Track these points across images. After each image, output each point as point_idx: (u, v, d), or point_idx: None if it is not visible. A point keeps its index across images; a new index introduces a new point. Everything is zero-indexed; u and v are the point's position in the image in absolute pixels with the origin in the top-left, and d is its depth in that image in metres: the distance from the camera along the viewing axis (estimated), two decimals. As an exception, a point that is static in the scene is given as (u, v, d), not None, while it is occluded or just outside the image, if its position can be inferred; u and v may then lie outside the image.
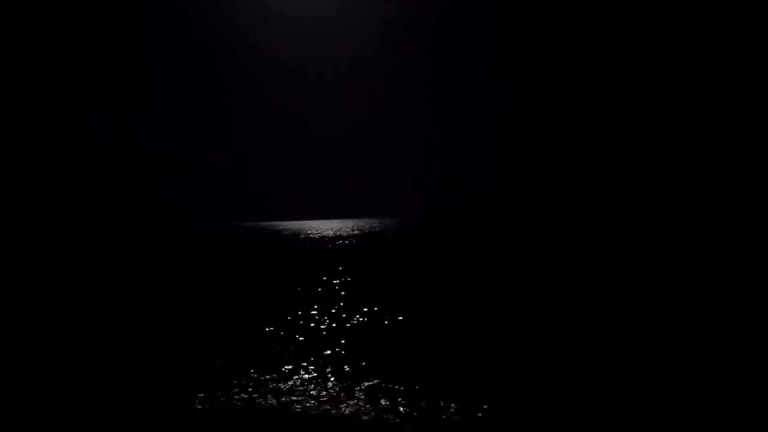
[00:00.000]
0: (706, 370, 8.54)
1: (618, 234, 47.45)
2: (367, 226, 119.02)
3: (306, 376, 9.15)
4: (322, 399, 8.07)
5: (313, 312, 14.91)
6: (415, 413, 7.37)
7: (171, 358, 10.55)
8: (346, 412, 7.51)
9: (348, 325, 13.28)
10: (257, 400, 8.05)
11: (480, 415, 7.30)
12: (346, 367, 9.62)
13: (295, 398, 8.13)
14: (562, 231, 58.16)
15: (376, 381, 8.76)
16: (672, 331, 11.02)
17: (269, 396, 8.23)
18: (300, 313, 14.85)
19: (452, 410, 7.49)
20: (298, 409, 7.71)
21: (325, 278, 22.47)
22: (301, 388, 8.59)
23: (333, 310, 15.06)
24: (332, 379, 8.99)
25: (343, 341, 11.54)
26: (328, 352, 10.72)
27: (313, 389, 8.51)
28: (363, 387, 8.51)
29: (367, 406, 7.71)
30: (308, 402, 7.97)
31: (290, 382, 8.84)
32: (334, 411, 7.55)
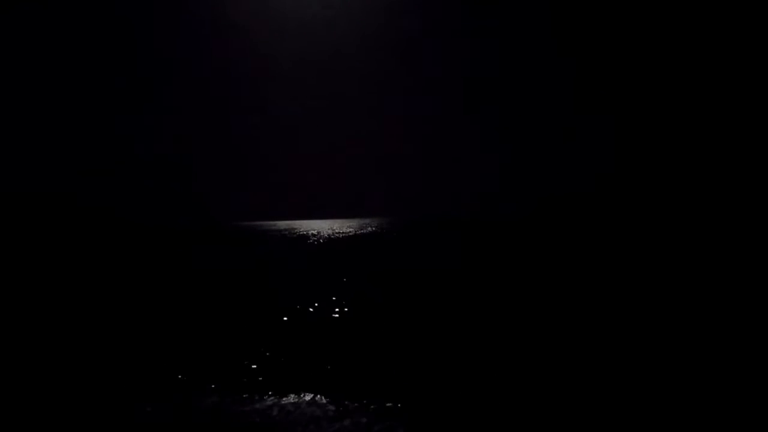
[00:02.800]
0: (703, 370, 8.35)
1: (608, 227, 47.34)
2: (363, 226, 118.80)
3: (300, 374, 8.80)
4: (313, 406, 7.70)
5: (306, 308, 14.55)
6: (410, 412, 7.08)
7: (163, 355, 10.40)
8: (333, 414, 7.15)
9: (339, 321, 12.95)
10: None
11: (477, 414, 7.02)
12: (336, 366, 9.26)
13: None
14: (555, 232, 58.03)
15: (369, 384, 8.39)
16: (668, 330, 10.81)
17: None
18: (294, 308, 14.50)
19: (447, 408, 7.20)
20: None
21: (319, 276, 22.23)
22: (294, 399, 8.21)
23: (322, 308, 14.69)
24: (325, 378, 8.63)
25: (334, 339, 11.20)
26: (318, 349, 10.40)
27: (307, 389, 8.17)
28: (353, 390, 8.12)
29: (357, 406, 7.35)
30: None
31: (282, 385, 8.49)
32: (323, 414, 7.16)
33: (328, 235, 71.66)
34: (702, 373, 8.22)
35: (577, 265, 22.89)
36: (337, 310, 14.61)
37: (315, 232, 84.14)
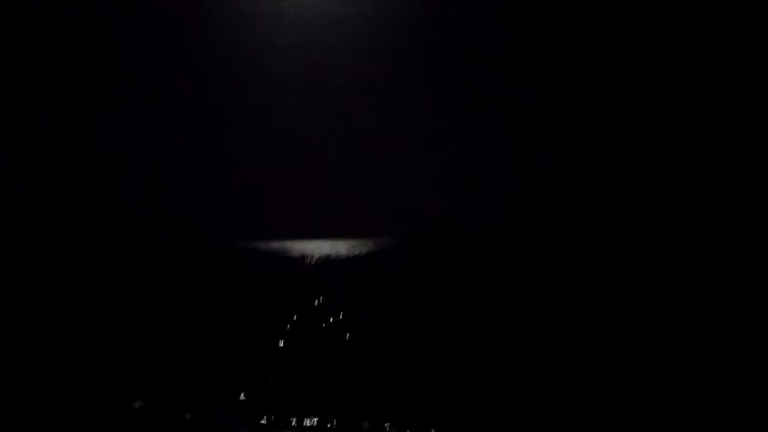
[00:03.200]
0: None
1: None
2: (364, 246, 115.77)
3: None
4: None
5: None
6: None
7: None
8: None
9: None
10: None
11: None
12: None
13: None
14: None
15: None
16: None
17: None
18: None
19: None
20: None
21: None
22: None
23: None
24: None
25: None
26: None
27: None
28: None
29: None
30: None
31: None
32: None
33: (325, 257, 68.38)
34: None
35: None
36: (339, 336, 13.73)
37: (311, 253, 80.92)
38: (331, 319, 17.76)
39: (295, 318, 18.52)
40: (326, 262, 58.66)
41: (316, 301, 24.17)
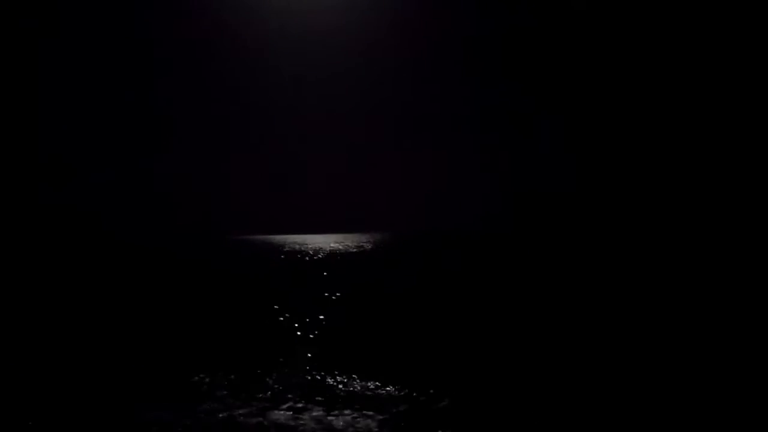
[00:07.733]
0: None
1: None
2: (366, 242, 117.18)
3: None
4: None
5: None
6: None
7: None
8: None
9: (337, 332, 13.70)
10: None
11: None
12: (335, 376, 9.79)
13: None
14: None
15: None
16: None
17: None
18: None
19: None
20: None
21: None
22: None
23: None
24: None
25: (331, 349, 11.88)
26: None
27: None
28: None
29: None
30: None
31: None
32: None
33: (328, 251, 70.42)
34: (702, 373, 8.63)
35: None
36: (335, 325, 15.09)
37: (315, 248, 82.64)
38: (330, 297, 20.35)
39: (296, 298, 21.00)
40: (326, 252, 60.21)
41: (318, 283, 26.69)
